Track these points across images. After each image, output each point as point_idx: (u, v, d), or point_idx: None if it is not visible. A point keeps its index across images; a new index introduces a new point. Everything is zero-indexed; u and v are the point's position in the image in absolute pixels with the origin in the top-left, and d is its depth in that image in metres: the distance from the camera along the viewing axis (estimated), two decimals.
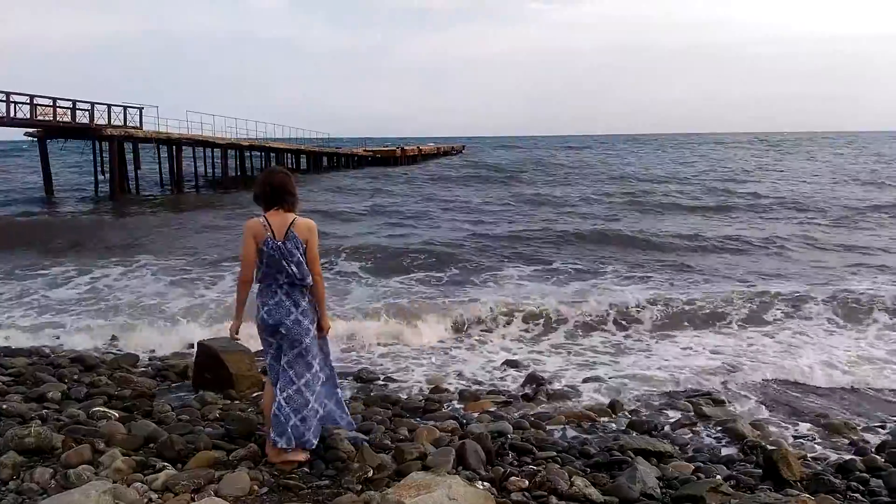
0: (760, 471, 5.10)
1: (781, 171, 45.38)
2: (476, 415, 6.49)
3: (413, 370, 8.22)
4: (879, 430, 6.38)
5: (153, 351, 8.92)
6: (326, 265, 13.92)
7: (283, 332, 4.46)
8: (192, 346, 8.46)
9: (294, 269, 4.41)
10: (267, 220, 4.43)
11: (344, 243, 16.54)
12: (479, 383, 7.75)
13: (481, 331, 9.95)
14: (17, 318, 10.22)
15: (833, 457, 5.65)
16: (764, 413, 6.88)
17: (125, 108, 32.03)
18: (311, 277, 4.48)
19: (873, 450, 5.74)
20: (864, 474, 5.05)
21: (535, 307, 10.45)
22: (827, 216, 23.15)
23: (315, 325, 4.58)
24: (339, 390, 4.86)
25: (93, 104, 30.06)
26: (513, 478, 4.52)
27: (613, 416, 6.63)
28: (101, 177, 31.86)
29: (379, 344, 9.28)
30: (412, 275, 13.71)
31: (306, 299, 4.51)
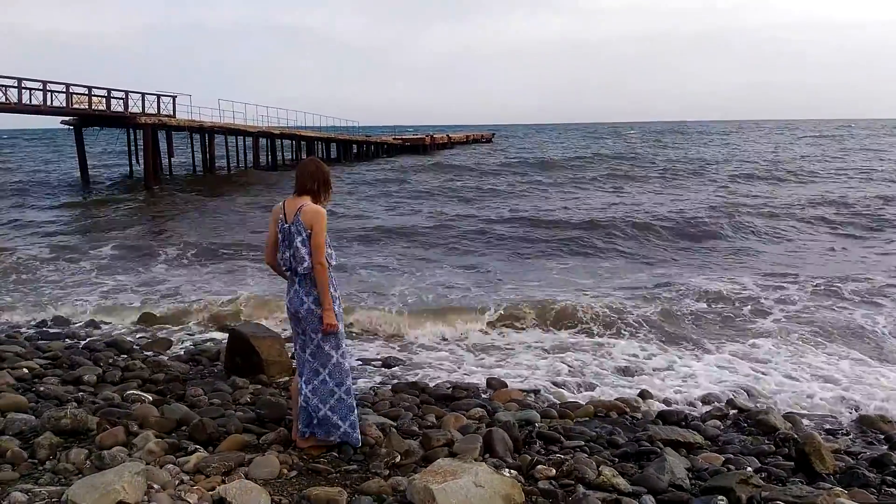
0: (792, 463, 5.03)
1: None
2: (503, 404, 6.49)
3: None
4: None
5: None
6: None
7: (301, 320, 4.48)
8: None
9: (289, 253, 4.42)
10: (283, 204, 4.50)
11: None
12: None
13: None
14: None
15: (868, 451, 5.54)
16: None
17: (158, 96, 32.46)
18: (306, 265, 4.38)
19: None
20: None
21: None
22: None
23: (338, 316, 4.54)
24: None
25: (127, 93, 30.53)
26: (540, 466, 4.51)
27: (643, 405, 6.58)
28: (135, 165, 32.36)
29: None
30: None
31: (317, 289, 4.41)
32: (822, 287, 11.21)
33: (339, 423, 4.50)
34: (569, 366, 7.82)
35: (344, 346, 4.59)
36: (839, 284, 11.27)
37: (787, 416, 6.29)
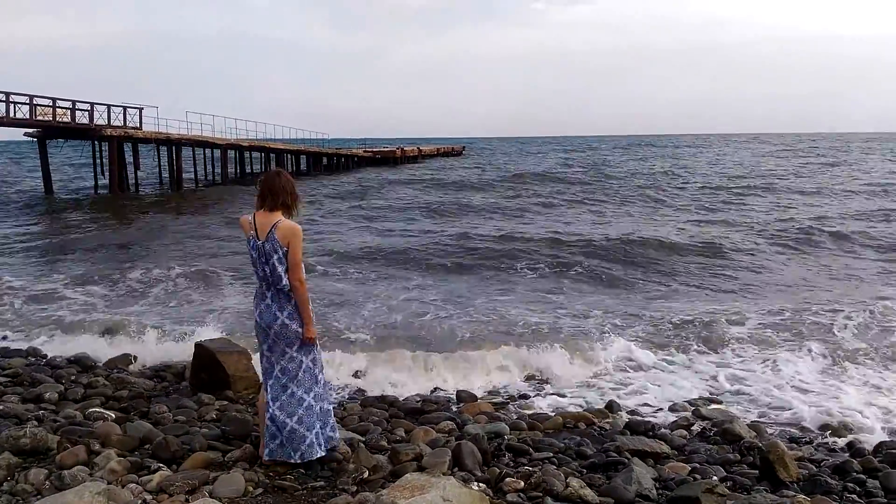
0: (757, 472, 5.10)
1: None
2: (472, 416, 6.48)
3: None
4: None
5: None
6: None
7: (273, 335, 4.45)
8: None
9: (267, 270, 4.36)
10: (254, 219, 4.43)
11: None
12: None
13: None
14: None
15: (830, 458, 5.63)
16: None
17: (125, 108, 32.08)
18: (284, 282, 4.34)
19: (870, 451, 5.72)
20: (861, 475, 5.04)
21: None
22: None
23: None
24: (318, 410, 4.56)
25: (92, 104, 30.13)
26: (508, 479, 4.51)
27: (610, 417, 6.62)
28: (100, 178, 31.88)
29: None
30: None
31: (292, 303, 4.40)
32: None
33: (306, 433, 4.41)
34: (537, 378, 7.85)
35: (317, 354, 4.57)
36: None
37: (752, 425, 6.38)
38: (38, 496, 3.94)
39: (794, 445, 5.95)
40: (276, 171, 4.60)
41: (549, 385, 7.74)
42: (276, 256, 4.32)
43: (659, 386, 7.62)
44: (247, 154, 41.27)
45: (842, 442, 6.04)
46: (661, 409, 6.97)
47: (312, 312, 4.56)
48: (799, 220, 21.25)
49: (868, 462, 5.32)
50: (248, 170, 41.24)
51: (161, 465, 4.47)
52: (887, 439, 6.02)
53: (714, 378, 7.91)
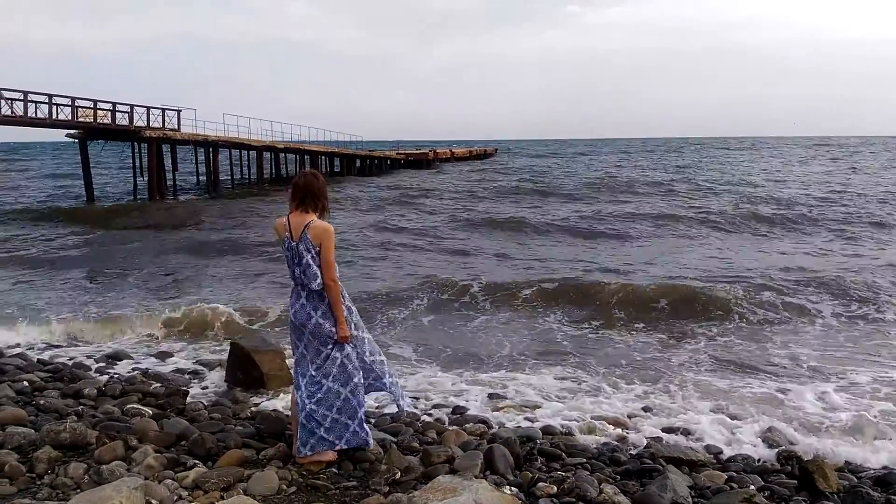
0: (795, 482, 4.99)
1: None
2: (505, 418, 6.45)
3: None
4: None
5: None
6: None
7: (308, 334, 4.50)
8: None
9: (299, 271, 4.43)
10: (288, 220, 4.48)
11: None
12: None
13: None
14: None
15: (872, 468, 5.49)
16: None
17: (163, 110, 32.62)
18: (318, 282, 4.40)
19: None
20: None
21: None
22: None
23: (352, 325, 4.59)
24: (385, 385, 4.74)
25: (132, 106, 30.70)
26: (541, 483, 4.48)
27: (645, 422, 6.53)
28: (139, 178, 32.46)
29: None
30: None
31: (325, 303, 4.46)
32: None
33: (348, 422, 4.50)
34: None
35: (351, 350, 4.56)
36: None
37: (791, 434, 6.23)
38: (77, 490, 4.01)
39: (836, 454, 5.79)
40: (311, 173, 4.64)
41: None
42: (308, 256, 4.37)
43: None
44: (282, 156, 41.71)
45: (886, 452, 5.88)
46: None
47: (355, 307, 4.64)
48: None
49: None
50: (283, 171, 41.69)
51: (197, 461, 4.52)
52: None
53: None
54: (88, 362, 7.96)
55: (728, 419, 6.59)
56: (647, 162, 63.86)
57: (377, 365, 4.71)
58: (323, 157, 45.48)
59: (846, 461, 5.67)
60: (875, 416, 6.59)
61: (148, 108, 31.80)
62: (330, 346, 4.50)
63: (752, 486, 4.84)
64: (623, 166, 57.05)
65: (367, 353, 4.67)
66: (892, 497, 4.72)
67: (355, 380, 4.55)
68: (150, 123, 31.57)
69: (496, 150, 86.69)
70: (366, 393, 4.68)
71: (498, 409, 6.78)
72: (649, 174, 45.05)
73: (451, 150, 67.08)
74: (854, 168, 50.46)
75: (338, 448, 4.52)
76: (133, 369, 7.65)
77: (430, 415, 6.49)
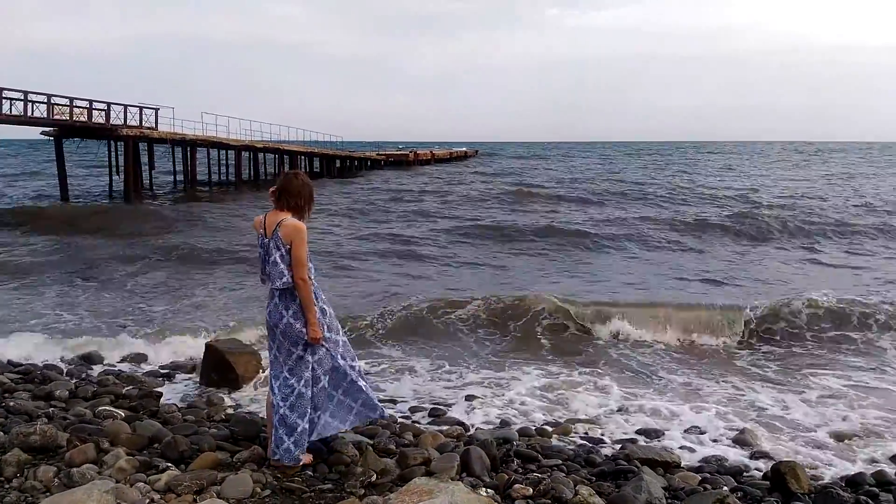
0: (768, 483, 5.04)
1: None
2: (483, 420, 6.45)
3: None
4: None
5: None
6: None
7: (279, 334, 4.46)
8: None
9: (268, 268, 4.42)
10: (265, 218, 4.48)
11: None
12: None
13: None
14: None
15: (844, 470, 5.57)
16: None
17: (141, 108, 32.27)
18: (283, 280, 4.36)
19: (885, 463, 5.66)
20: (874, 488, 4.98)
21: None
22: None
23: (325, 326, 4.54)
24: (362, 390, 4.67)
25: (109, 104, 30.30)
26: (517, 485, 4.48)
27: (622, 424, 6.57)
28: (115, 177, 32.06)
29: None
30: None
31: (297, 302, 4.41)
32: None
33: (352, 404, 4.61)
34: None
35: (324, 355, 4.52)
36: None
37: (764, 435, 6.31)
38: (47, 493, 3.94)
39: (808, 456, 5.87)
40: (293, 173, 4.63)
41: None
42: (277, 253, 4.35)
43: None
44: (260, 155, 41.41)
45: (856, 453, 5.97)
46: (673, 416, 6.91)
47: (331, 309, 4.60)
48: None
49: (881, 475, 5.26)
50: (261, 171, 41.39)
51: (169, 464, 4.47)
52: None
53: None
54: (60, 364, 7.84)
55: (702, 421, 6.66)
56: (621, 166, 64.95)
57: (352, 371, 4.65)
58: (302, 158, 45.22)
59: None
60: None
61: (125, 107, 31.44)
62: (300, 348, 4.44)
63: (725, 488, 4.88)
64: (593, 169, 58.18)
65: (340, 357, 4.61)
66: (862, 497, 4.79)
67: (321, 384, 4.53)
68: (127, 122, 31.21)
69: (476, 151, 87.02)
70: (361, 422, 4.80)
71: (475, 411, 6.79)
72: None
73: (431, 152, 67.09)
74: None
75: (301, 463, 4.48)
76: (106, 371, 7.54)
77: (407, 417, 6.48)
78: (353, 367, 4.66)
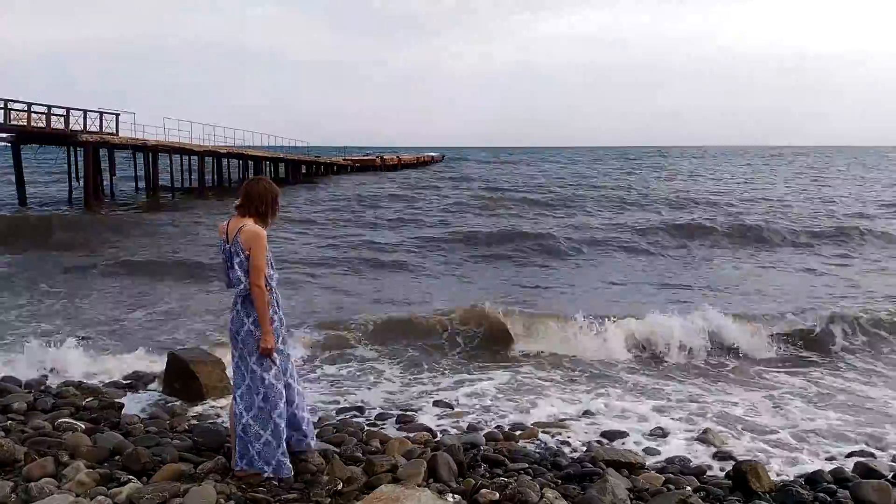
0: (730, 482, 5.13)
1: None
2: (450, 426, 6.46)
3: None
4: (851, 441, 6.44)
5: None
6: None
7: (240, 342, 4.42)
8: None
9: (228, 274, 4.39)
10: (227, 224, 4.44)
11: None
12: None
13: None
14: None
15: (804, 468, 5.69)
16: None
17: (101, 114, 31.66)
18: (242, 287, 4.33)
19: (842, 460, 5.80)
20: (832, 485, 5.09)
21: None
22: None
23: (280, 338, 4.52)
24: (298, 412, 4.64)
25: (68, 110, 29.69)
26: (483, 490, 4.49)
27: (587, 427, 6.63)
28: (75, 183, 31.41)
29: None
30: None
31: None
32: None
33: (277, 448, 4.43)
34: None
35: (279, 368, 4.48)
36: None
37: (726, 436, 6.42)
38: None
39: (770, 455, 5.99)
40: (256, 178, 4.61)
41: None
42: (237, 260, 4.32)
43: None
44: (225, 162, 40.93)
45: (815, 452, 6.11)
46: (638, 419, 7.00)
47: (283, 321, 4.57)
48: None
49: (839, 472, 5.38)
50: (225, 177, 40.89)
51: (131, 477, 4.38)
52: (858, 449, 6.11)
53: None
54: (18, 376, 7.64)
55: (666, 422, 6.76)
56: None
57: (295, 391, 4.64)
58: (267, 163, 44.81)
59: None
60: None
61: (85, 112, 30.81)
62: (255, 357, 4.39)
63: (688, 488, 4.96)
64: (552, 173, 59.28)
65: (289, 374, 4.61)
66: (820, 494, 4.90)
67: (281, 405, 4.45)
68: (87, 127, 30.61)
69: (443, 156, 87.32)
70: (292, 450, 4.62)
71: (443, 417, 6.80)
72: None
73: (398, 157, 67.06)
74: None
75: (266, 475, 4.42)
76: (66, 383, 7.38)
77: (374, 424, 6.46)
78: (294, 388, 4.65)
